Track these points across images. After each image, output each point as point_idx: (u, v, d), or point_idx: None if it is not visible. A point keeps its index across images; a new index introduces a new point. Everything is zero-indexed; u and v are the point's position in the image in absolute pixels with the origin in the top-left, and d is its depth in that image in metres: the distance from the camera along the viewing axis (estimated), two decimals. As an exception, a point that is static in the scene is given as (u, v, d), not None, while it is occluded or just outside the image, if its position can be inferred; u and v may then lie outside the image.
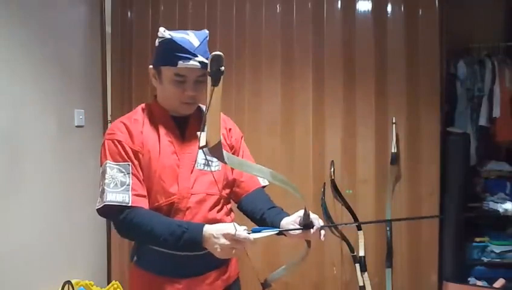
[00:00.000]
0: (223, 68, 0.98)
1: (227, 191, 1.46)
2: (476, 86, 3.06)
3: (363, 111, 2.68)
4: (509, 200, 2.95)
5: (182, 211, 1.34)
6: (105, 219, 2.98)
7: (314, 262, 2.69)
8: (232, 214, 1.47)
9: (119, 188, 1.28)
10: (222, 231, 1.20)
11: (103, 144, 1.36)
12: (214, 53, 0.99)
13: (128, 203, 1.28)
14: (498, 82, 3.00)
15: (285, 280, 2.68)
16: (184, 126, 1.42)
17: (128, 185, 1.29)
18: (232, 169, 1.47)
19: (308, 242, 1.34)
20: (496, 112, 2.98)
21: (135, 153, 1.34)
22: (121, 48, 3.01)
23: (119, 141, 1.33)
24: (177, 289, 1.36)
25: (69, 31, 2.70)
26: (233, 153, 1.49)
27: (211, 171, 1.38)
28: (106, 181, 1.28)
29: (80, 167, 2.74)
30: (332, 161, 2.68)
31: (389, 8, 2.67)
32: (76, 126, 2.72)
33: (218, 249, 1.20)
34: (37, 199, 2.37)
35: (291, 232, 1.29)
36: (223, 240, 1.19)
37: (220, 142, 1.02)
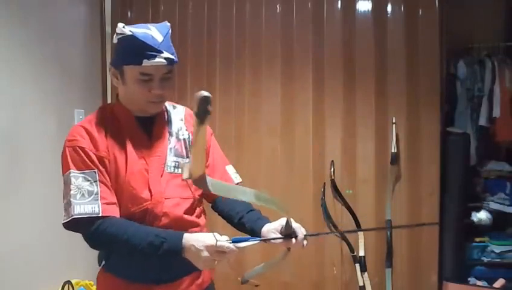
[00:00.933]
0: (210, 108, 0.97)
1: (199, 192, 1.37)
2: (476, 86, 3.06)
3: (363, 111, 2.68)
4: (508, 201, 2.95)
5: (158, 217, 1.27)
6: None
7: (314, 262, 2.69)
8: (205, 216, 1.42)
9: (87, 198, 1.20)
10: (203, 242, 1.14)
11: (64, 152, 1.27)
12: (202, 93, 0.96)
13: (99, 214, 1.19)
14: (498, 82, 3.00)
15: (284, 280, 2.68)
16: (149, 127, 1.34)
17: (97, 193, 1.21)
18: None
19: (289, 248, 1.29)
20: (496, 112, 2.98)
21: (100, 159, 1.25)
22: (121, 48, 3.00)
23: (81, 148, 1.24)
24: None
25: (69, 31, 2.70)
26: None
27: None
28: (72, 192, 1.20)
29: (79, 167, 2.73)
30: (332, 161, 2.68)
31: (389, 8, 2.67)
32: (76, 126, 2.71)
33: (201, 262, 1.16)
34: (37, 199, 2.37)
35: (273, 241, 1.24)
36: (205, 253, 1.14)
37: (204, 174, 1.01)
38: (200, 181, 1.02)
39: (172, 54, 1.24)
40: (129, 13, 3.00)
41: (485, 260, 2.90)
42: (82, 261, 2.76)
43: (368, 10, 2.69)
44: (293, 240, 1.22)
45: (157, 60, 1.21)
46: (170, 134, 1.36)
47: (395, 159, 2.59)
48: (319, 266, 2.70)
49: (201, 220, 1.38)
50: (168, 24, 1.31)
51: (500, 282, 2.65)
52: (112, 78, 1.33)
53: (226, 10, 2.83)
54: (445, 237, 2.64)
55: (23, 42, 2.30)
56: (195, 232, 1.28)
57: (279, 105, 2.76)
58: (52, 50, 2.52)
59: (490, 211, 2.95)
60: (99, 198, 1.21)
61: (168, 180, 1.31)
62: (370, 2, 2.69)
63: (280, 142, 2.77)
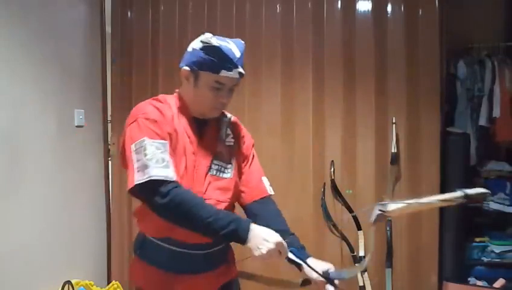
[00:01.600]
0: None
1: (235, 199, 1.47)
2: (476, 86, 3.05)
3: (363, 111, 2.68)
4: (508, 201, 2.95)
5: None
6: (104, 219, 2.99)
7: (314, 262, 2.69)
8: None
9: (161, 163, 1.23)
10: (272, 236, 1.21)
11: (133, 123, 1.31)
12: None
13: (173, 178, 1.23)
14: (498, 82, 2.99)
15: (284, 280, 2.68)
16: (202, 128, 1.41)
17: (168, 161, 1.25)
18: (241, 176, 1.48)
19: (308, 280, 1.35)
20: (496, 112, 2.98)
21: (169, 134, 1.31)
22: (121, 48, 3.01)
23: (154, 120, 1.30)
24: (177, 283, 1.38)
25: (69, 31, 2.71)
26: (243, 160, 1.49)
27: (223, 178, 1.39)
28: (148, 157, 1.23)
29: (80, 167, 2.73)
30: (332, 161, 2.68)
31: (389, 8, 2.67)
32: (76, 126, 2.72)
33: (263, 250, 1.19)
34: (37, 199, 2.37)
35: (311, 274, 1.31)
36: (271, 245, 1.19)
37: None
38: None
39: (243, 69, 1.36)
40: (129, 13, 3.00)
41: (485, 260, 2.90)
42: (82, 261, 2.77)
43: (368, 10, 2.69)
44: (327, 286, 1.29)
45: (233, 72, 1.33)
46: (218, 139, 1.44)
47: (395, 159, 2.59)
48: (319, 266, 2.70)
49: None
50: (243, 42, 1.43)
51: (500, 282, 2.65)
52: (181, 78, 1.40)
53: (226, 10, 2.83)
54: (445, 237, 2.64)
55: (23, 42, 2.30)
56: None
57: (279, 105, 2.76)
58: (52, 50, 2.53)
59: (490, 211, 2.96)
60: (171, 166, 1.25)
61: (210, 182, 1.38)
62: (370, 2, 2.69)
63: (280, 142, 2.76)
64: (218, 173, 1.39)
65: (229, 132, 1.48)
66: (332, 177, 2.65)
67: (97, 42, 2.96)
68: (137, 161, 1.24)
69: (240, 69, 1.34)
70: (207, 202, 1.30)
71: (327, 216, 2.63)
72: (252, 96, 2.79)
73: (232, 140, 1.48)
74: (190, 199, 1.24)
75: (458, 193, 1.23)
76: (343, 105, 2.70)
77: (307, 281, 1.37)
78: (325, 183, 2.68)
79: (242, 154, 1.50)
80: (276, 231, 1.27)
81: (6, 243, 2.14)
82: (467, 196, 1.22)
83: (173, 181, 1.23)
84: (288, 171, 2.73)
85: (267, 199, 1.48)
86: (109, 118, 3.03)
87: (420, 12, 2.63)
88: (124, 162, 1.34)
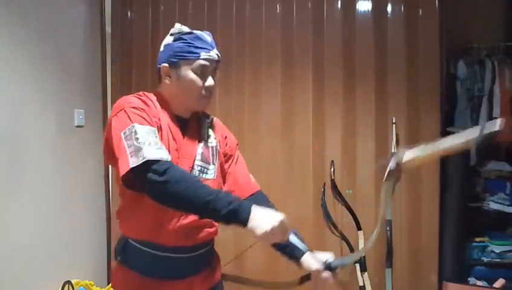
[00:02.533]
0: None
1: None
2: (476, 86, 3.05)
3: (363, 111, 2.68)
4: (508, 201, 2.95)
5: (177, 214, 1.30)
6: (104, 219, 2.99)
7: (314, 262, 2.69)
8: None
9: (154, 146, 1.20)
10: (275, 215, 1.15)
11: (121, 112, 1.27)
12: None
13: (168, 159, 1.20)
14: (498, 82, 2.99)
15: (284, 280, 2.68)
16: (183, 128, 1.38)
17: (161, 145, 1.22)
18: (225, 176, 1.46)
19: (307, 276, 1.36)
20: (496, 112, 2.98)
21: (156, 123, 1.29)
22: (121, 48, 3.01)
23: (142, 109, 1.28)
24: (160, 289, 1.33)
25: (69, 31, 2.71)
26: (227, 160, 1.47)
27: (206, 179, 1.35)
28: (140, 140, 1.19)
29: (80, 167, 2.74)
30: (332, 161, 2.68)
31: (389, 8, 2.67)
32: (76, 126, 2.72)
33: (267, 228, 1.13)
34: (37, 199, 2.37)
35: (311, 266, 1.30)
36: (275, 223, 1.13)
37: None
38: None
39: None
40: (129, 13, 3.00)
41: (485, 260, 2.90)
42: (82, 261, 2.77)
43: (368, 10, 2.69)
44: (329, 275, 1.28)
45: (211, 53, 1.35)
46: (200, 139, 1.41)
47: (395, 159, 2.58)
48: (319, 266, 2.70)
49: (216, 223, 1.41)
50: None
51: (500, 282, 2.65)
52: (162, 77, 1.38)
53: (226, 10, 2.83)
54: (445, 237, 2.64)
55: (23, 42, 2.30)
56: (211, 233, 1.38)
57: (279, 105, 2.76)
58: (52, 50, 2.53)
59: (490, 211, 2.95)
60: (164, 148, 1.23)
61: None
62: (370, 2, 2.69)
63: (280, 142, 2.76)
64: (200, 174, 1.35)
65: (210, 132, 1.45)
66: (332, 177, 2.65)
67: (97, 42, 2.96)
68: (129, 146, 1.20)
69: (216, 51, 1.36)
70: None
71: (327, 216, 2.63)
72: (252, 96, 2.80)
73: (214, 140, 1.45)
74: (188, 177, 1.21)
75: (474, 131, 1.12)
76: (343, 105, 2.70)
77: (305, 278, 1.35)
78: (325, 183, 2.68)
79: (226, 155, 1.47)
80: None
81: (6, 243, 2.14)
82: (484, 136, 1.09)
83: (169, 161, 1.20)
84: (288, 171, 2.73)
85: (258, 193, 1.46)
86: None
87: (420, 12, 2.64)
88: (110, 156, 1.30)
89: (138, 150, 1.18)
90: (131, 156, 1.19)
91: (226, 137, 1.50)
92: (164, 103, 1.38)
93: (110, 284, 1.45)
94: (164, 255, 1.32)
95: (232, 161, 1.49)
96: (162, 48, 1.39)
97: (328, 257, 1.31)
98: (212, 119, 1.51)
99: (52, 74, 2.52)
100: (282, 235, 1.16)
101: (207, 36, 1.38)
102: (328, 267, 1.28)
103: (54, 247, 2.48)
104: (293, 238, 1.29)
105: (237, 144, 1.54)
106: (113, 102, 3.02)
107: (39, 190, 2.39)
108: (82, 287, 2.57)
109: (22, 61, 2.31)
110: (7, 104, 2.20)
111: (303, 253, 1.32)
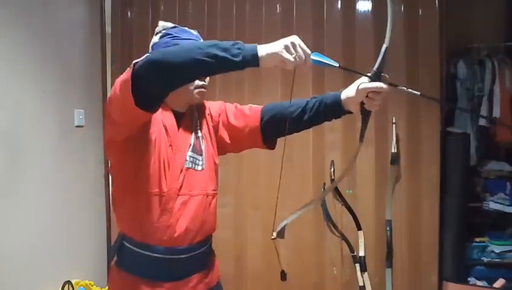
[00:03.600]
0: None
1: (215, 187, 1.45)
2: (476, 86, 3.05)
3: (363, 111, 2.68)
4: (508, 201, 2.95)
5: (169, 210, 1.31)
6: (104, 219, 3.00)
7: (314, 262, 2.69)
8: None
9: None
10: (287, 37, 1.17)
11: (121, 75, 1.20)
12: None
13: None
14: (498, 82, 3.00)
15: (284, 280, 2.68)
16: (179, 122, 1.39)
17: None
18: (228, 119, 1.47)
19: (363, 110, 1.35)
20: (496, 112, 2.98)
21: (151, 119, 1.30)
22: (121, 48, 3.01)
23: None
24: None
25: (69, 31, 2.71)
26: (224, 125, 1.47)
27: (197, 171, 1.37)
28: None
29: (79, 167, 2.74)
30: (332, 161, 2.67)
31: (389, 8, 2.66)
32: (76, 126, 2.72)
33: (281, 47, 1.16)
34: (37, 199, 2.37)
35: (358, 86, 1.33)
36: (288, 42, 1.16)
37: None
38: None
39: None
40: (129, 13, 3.00)
41: (485, 260, 2.90)
42: (82, 261, 2.77)
43: (368, 10, 2.69)
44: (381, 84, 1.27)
45: None
46: (192, 131, 1.42)
47: (395, 159, 2.59)
48: (319, 266, 2.70)
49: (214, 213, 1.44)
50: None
51: (500, 282, 2.65)
52: None
53: (226, 10, 2.83)
54: (445, 237, 2.64)
55: (23, 42, 2.30)
56: (206, 231, 1.40)
57: (279, 105, 2.76)
58: (52, 50, 2.53)
59: (490, 211, 2.96)
60: None
61: (185, 175, 1.35)
62: (370, 2, 2.69)
63: (280, 141, 2.76)
64: (192, 166, 1.36)
65: (201, 122, 1.45)
66: (332, 177, 2.65)
67: (97, 42, 2.96)
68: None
69: None
70: (182, 194, 1.32)
71: (327, 216, 2.63)
72: (252, 96, 2.79)
73: (201, 130, 1.44)
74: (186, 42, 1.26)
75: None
76: (343, 105, 2.70)
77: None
78: (325, 183, 2.68)
79: (219, 124, 1.47)
80: (303, 106, 1.51)
81: (6, 243, 2.14)
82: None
83: None
84: (288, 171, 2.71)
85: (266, 108, 1.49)
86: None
87: (420, 12, 2.63)
88: (110, 125, 1.29)
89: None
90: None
91: (209, 113, 1.48)
92: None
93: (108, 287, 1.45)
94: (161, 256, 1.31)
95: (227, 118, 1.47)
96: (150, 49, 1.38)
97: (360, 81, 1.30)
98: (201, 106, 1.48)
99: (52, 74, 2.52)
100: (300, 52, 1.15)
101: (192, 31, 1.40)
102: (375, 75, 1.23)
103: (54, 247, 2.48)
104: (316, 56, 1.20)
105: (223, 103, 1.52)
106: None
107: (39, 190, 2.39)
108: (82, 287, 2.57)
109: (22, 61, 2.31)
110: (7, 104, 2.20)
111: (339, 94, 1.40)
